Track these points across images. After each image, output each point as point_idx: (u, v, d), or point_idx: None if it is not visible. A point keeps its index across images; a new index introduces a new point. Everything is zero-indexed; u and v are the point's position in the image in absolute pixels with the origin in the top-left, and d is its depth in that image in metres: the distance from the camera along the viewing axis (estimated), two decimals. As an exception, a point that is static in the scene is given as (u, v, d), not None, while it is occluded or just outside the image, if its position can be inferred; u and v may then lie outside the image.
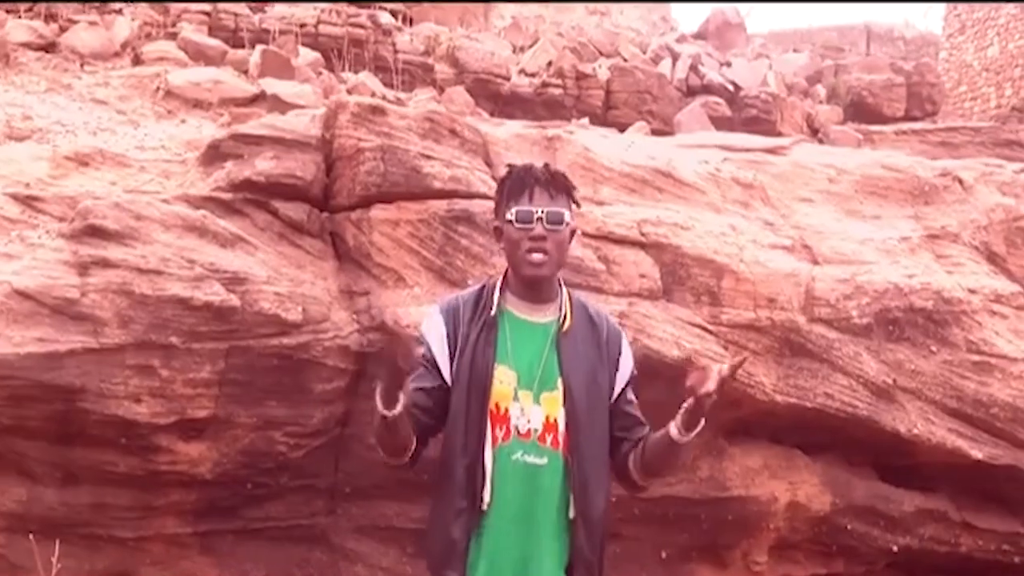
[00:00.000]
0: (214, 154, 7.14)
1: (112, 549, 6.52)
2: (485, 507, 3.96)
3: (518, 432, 3.98)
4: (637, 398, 4.35)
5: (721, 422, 7.18)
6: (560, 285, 4.19)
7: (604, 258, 6.99)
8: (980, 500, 7.87)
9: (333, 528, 6.82)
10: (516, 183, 4.07)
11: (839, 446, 7.57)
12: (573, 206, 4.13)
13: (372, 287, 6.75)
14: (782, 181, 8.23)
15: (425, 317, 4.24)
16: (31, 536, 6.00)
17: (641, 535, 7.26)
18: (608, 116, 15.94)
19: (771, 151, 8.72)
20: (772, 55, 21.89)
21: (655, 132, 13.36)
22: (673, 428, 3.96)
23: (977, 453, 7.54)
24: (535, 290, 4.09)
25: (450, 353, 4.07)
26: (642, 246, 7.12)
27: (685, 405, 3.94)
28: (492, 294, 4.12)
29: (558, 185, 4.08)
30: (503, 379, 4.00)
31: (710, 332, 7.01)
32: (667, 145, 8.76)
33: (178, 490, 6.47)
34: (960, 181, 8.59)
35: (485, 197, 6.86)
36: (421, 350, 3.89)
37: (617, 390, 4.20)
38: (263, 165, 6.89)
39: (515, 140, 7.53)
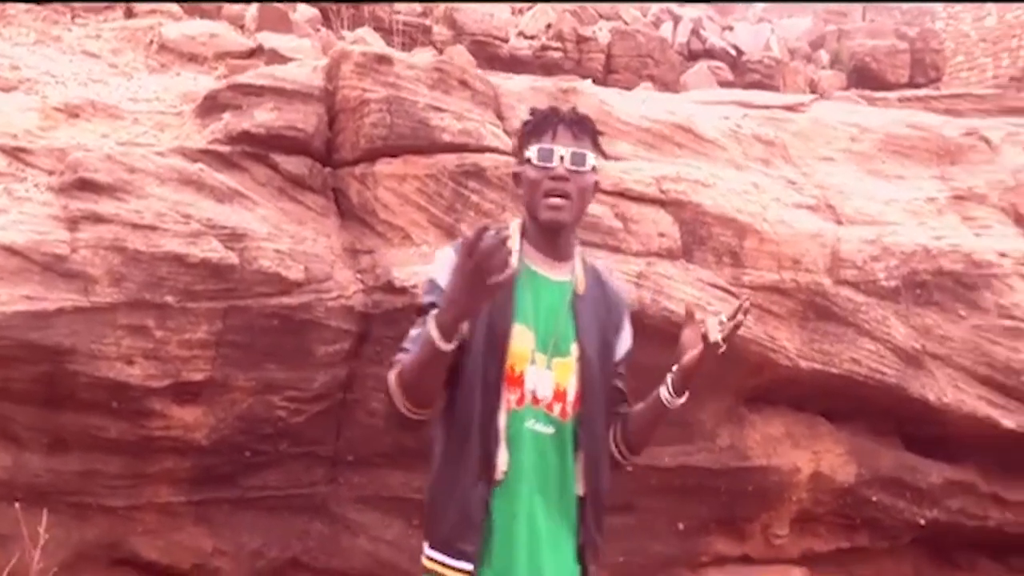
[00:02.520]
0: (211, 105, 6.83)
1: (102, 518, 6.28)
2: (500, 476, 3.67)
3: (534, 398, 3.70)
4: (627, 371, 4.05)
5: (742, 389, 7.02)
6: (577, 241, 3.92)
7: (621, 216, 6.72)
8: (1011, 472, 7.68)
9: (334, 498, 6.60)
10: (539, 122, 3.80)
11: (864, 414, 7.37)
12: (600, 154, 3.87)
13: (377, 245, 6.49)
14: (803, 139, 8.01)
15: (437, 260, 3.86)
16: (17, 504, 5.75)
17: (657, 506, 7.05)
18: (608, 80, 15.72)
19: (790, 108, 8.50)
20: (774, 19, 21.63)
21: (659, 96, 13.11)
22: (664, 391, 3.76)
23: (1008, 422, 7.34)
24: (553, 241, 3.79)
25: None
26: (661, 204, 6.87)
27: (676, 365, 3.75)
28: (510, 242, 3.78)
29: (584, 127, 3.80)
30: (520, 339, 3.71)
31: (732, 294, 6.75)
32: (685, 100, 8.50)
33: (172, 457, 6.22)
34: (987, 141, 8.37)
35: (496, 151, 6.64)
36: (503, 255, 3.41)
37: (615, 361, 3.93)
38: (263, 117, 6.60)
39: (528, 92, 7.24)
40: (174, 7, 10.80)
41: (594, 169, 3.76)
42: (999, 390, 7.34)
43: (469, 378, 3.68)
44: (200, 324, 5.99)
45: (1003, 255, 7.54)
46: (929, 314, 7.25)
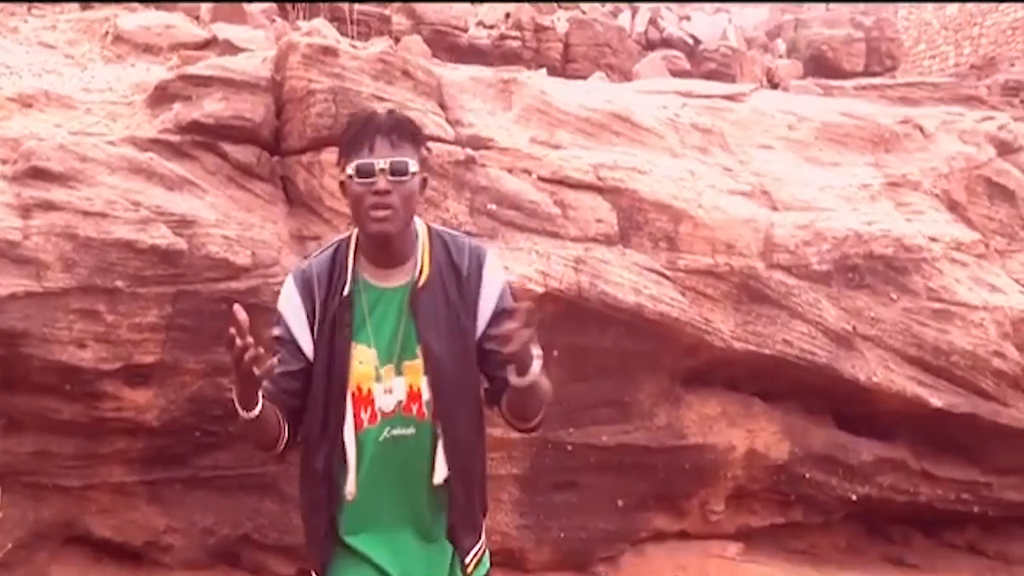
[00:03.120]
0: (162, 95, 6.95)
1: (57, 498, 6.41)
2: (350, 496, 3.70)
3: (383, 413, 3.72)
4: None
5: (677, 369, 7.17)
6: (417, 235, 3.84)
7: (560, 202, 6.88)
8: (939, 449, 7.88)
9: (284, 477, 6.63)
10: (356, 134, 3.73)
11: (797, 394, 7.53)
12: (423, 151, 3.82)
13: (323, 232, 6.60)
14: (741, 128, 8.16)
15: (282, 292, 3.89)
16: (-28, 484, 5.85)
17: (597, 484, 7.19)
18: (567, 69, 15.85)
19: (730, 98, 8.64)
20: (732, 9, 21.77)
21: (614, 85, 13.23)
22: (511, 373, 3.64)
23: (937, 401, 7.52)
24: (386, 250, 3.76)
25: (310, 329, 3.77)
26: (599, 190, 7.02)
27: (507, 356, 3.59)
28: (346, 262, 3.79)
29: (402, 132, 3.73)
30: (363, 359, 3.72)
31: (667, 278, 6.92)
32: (625, 90, 8.65)
33: (124, 438, 6.35)
34: (921, 129, 8.56)
35: (440, 140, 6.78)
36: (276, 331, 3.68)
37: (480, 330, 3.84)
38: (212, 107, 6.73)
39: (470, 83, 7.40)
40: (129, -2, 10.89)
41: (415, 174, 3.71)
42: (928, 370, 7.52)
43: (313, 401, 3.74)
44: (150, 308, 6.12)
45: (933, 240, 7.73)
46: (860, 297, 7.42)
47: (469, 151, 6.86)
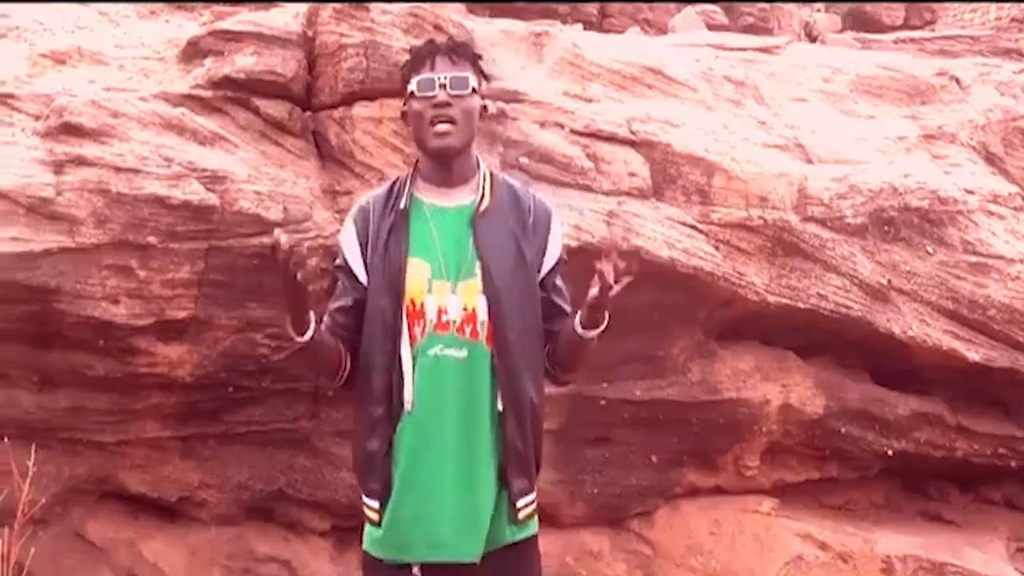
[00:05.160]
0: (193, 51, 6.96)
1: (91, 453, 6.45)
2: (409, 408, 3.72)
3: (434, 325, 3.74)
4: (565, 284, 4.03)
5: (711, 324, 7.14)
6: (479, 164, 3.94)
7: (593, 156, 6.83)
8: (976, 404, 7.83)
9: (316, 433, 6.73)
10: (416, 56, 3.86)
11: (832, 348, 7.49)
12: (483, 80, 3.92)
13: (355, 186, 6.59)
14: (776, 80, 8.09)
15: (343, 226, 4.00)
16: (6, 440, 5.85)
17: (630, 439, 7.19)
18: (604, 24, 15.66)
19: (765, 50, 8.56)
20: (769, -38, 21.57)
21: (651, 40, 13.12)
22: (578, 324, 3.73)
23: (973, 355, 7.47)
24: (446, 168, 3.83)
25: (363, 257, 3.84)
26: (632, 144, 6.96)
27: (588, 298, 3.67)
28: (403, 185, 3.88)
29: (462, 52, 3.86)
30: (416, 272, 3.75)
31: (700, 231, 6.88)
32: (658, 44, 8.59)
33: (158, 393, 6.37)
34: (957, 81, 8.45)
35: (471, 93, 6.72)
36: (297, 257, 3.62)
37: (543, 274, 3.91)
38: (243, 62, 6.72)
39: (501, 36, 7.36)
40: (163, -47, 10.84)
41: (475, 91, 3.80)
42: (964, 324, 7.46)
43: (370, 318, 3.78)
44: (182, 264, 6.13)
45: (969, 192, 7.65)
46: (896, 250, 7.35)
47: (501, 104, 6.81)
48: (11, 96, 6.52)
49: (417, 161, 3.94)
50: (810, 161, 7.40)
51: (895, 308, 7.30)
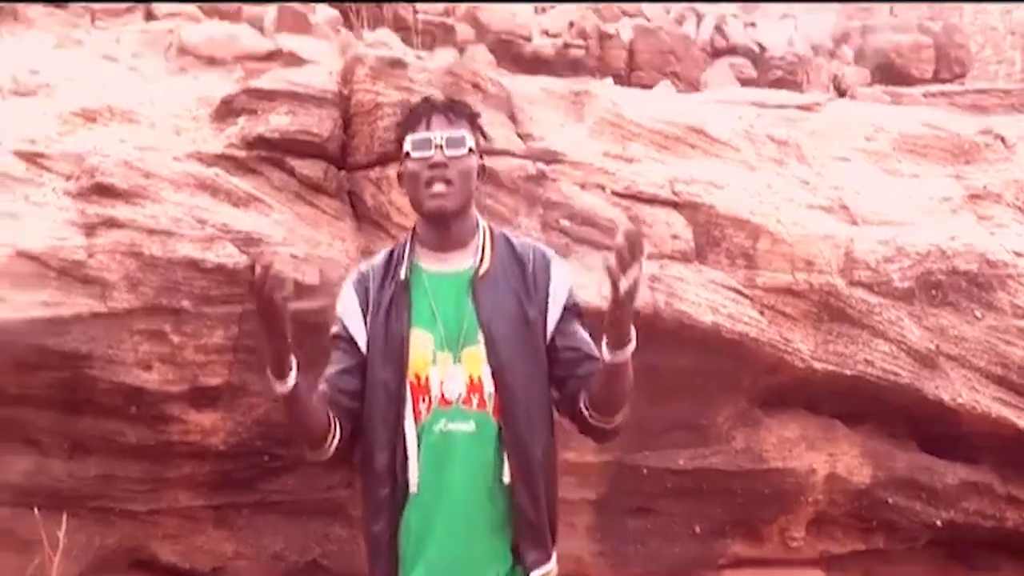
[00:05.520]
0: (227, 110, 6.87)
1: (123, 523, 6.33)
2: (415, 490, 3.56)
3: (439, 400, 3.58)
4: (588, 331, 3.78)
5: (756, 391, 7.01)
6: (478, 224, 3.77)
7: (634, 218, 6.69)
8: (1026, 473, 7.62)
9: (351, 502, 6.53)
10: (412, 114, 3.72)
11: (879, 416, 7.33)
12: (480, 137, 3.78)
13: (392, 249, 6.46)
14: (817, 138, 7.97)
15: (339, 295, 3.84)
16: (36, 510, 5.74)
17: (673, 509, 7.05)
18: (632, 77, 15.68)
19: (805, 108, 8.45)
20: (798, 15, 21.53)
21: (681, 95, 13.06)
22: (605, 350, 3.49)
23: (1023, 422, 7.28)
24: (443, 230, 3.67)
25: (364, 323, 3.68)
26: (674, 205, 6.85)
27: (606, 313, 3.42)
28: (403, 253, 3.72)
29: (458, 111, 3.72)
30: (419, 344, 3.60)
31: (745, 296, 6.76)
32: (698, 101, 8.49)
33: (191, 462, 6.26)
34: (1002, 139, 8.31)
35: (510, 154, 6.66)
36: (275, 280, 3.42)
37: (551, 327, 3.71)
38: (278, 121, 6.64)
39: (541, 94, 7.26)
40: (192, 8, 10.81)
41: (472, 151, 3.67)
42: (1014, 390, 7.29)
43: (370, 390, 3.63)
44: (216, 329, 6.02)
45: (1018, 255, 7.48)
46: (944, 314, 7.21)
47: (540, 165, 6.71)
48: (41, 155, 6.44)
49: (415, 226, 3.78)
50: (855, 223, 7.26)
51: (943, 374, 7.14)
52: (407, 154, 3.64)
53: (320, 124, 6.65)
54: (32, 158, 6.43)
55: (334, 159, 6.74)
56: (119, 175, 6.11)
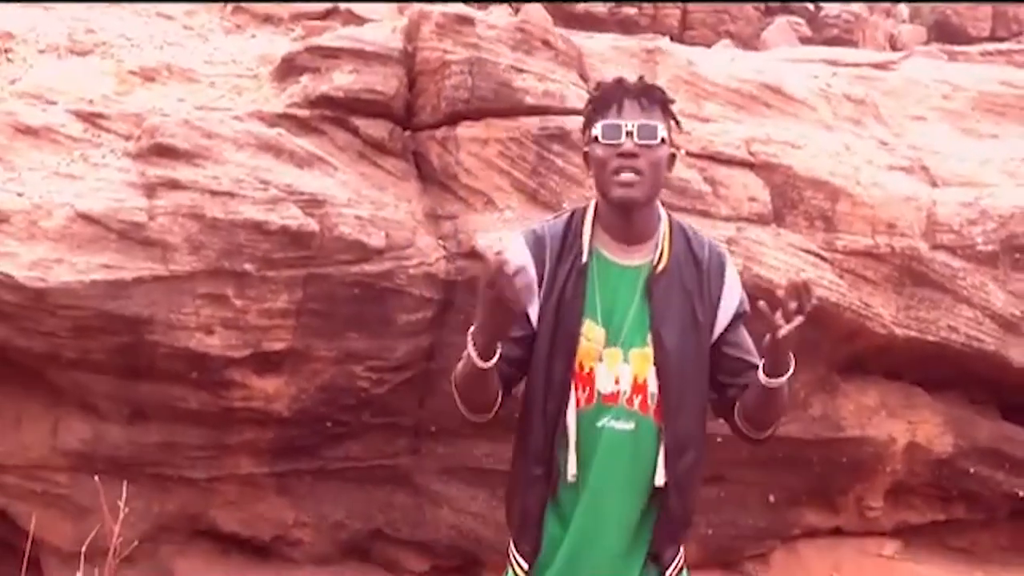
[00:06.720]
0: (288, 68, 6.72)
1: (183, 489, 6.27)
2: (571, 478, 3.47)
3: (602, 396, 3.46)
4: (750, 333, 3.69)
5: (835, 357, 6.83)
6: (660, 217, 3.60)
7: (710, 179, 6.55)
8: (1113, 442, 7.43)
9: (417, 469, 6.51)
10: (603, 96, 3.51)
11: (961, 383, 7.17)
12: (673, 124, 3.54)
13: (459, 210, 6.37)
14: (894, 98, 7.79)
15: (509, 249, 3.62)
16: (96, 476, 5.59)
17: (747, 478, 6.89)
18: (685, 36, 15.52)
19: (880, 66, 8.27)
20: (853, -28, 21.28)
21: (737, 53, 12.87)
22: (761, 373, 3.39)
23: (1112, 391, 7.10)
24: (628, 222, 3.51)
25: (538, 297, 3.48)
26: (751, 166, 6.68)
27: (764, 344, 3.33)
28: (581, 230, 3.55)
29: (652, 97, 3.49)
30: (590, 336, 3.48)
31: (825, 260, 6.60)
32: (771, 59, 8.28)
33: (253, 428, 6.16)
34: (1078, 98, 8.08)
35: (580, 113, 6.39)
36: (524, 280, 3.34)
37: (718, 331, 3.58)
38: (341, 79, 6.49)
39: (612, 52, 7.07)
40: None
41: (664, 141, 3.46)
42: (1101, 358, 7.09)
43: (534, 377, 3.52)
44: (280, 293, 5.90)
45: (1103, 216, 7.28)
46: (1028, 279, 7.04)
47: (614, 124, 6.52)
48: (100, 115, 6.36)
49: (596, 203, 3.60)
50: (935, 184, 7.07)
51: (1029, 341, 6.95)
52: (595, 138, 3.45)
53: (385, 82, 6.50)
54: (90, 118, 6.34)
55: (399, 118, 6.59)
56: (180, 135, 5.97)
